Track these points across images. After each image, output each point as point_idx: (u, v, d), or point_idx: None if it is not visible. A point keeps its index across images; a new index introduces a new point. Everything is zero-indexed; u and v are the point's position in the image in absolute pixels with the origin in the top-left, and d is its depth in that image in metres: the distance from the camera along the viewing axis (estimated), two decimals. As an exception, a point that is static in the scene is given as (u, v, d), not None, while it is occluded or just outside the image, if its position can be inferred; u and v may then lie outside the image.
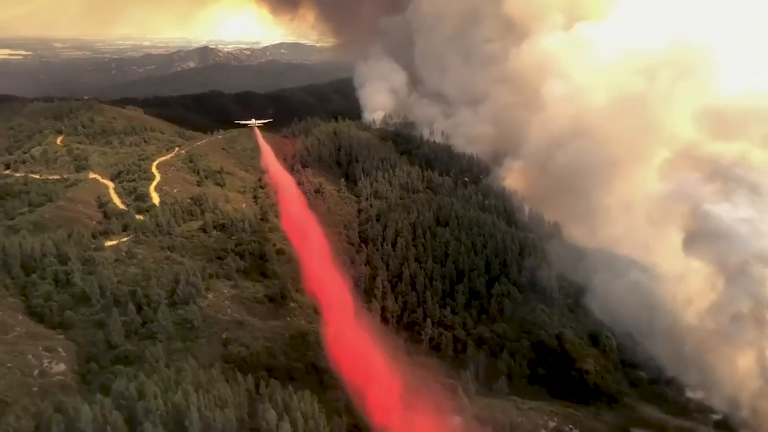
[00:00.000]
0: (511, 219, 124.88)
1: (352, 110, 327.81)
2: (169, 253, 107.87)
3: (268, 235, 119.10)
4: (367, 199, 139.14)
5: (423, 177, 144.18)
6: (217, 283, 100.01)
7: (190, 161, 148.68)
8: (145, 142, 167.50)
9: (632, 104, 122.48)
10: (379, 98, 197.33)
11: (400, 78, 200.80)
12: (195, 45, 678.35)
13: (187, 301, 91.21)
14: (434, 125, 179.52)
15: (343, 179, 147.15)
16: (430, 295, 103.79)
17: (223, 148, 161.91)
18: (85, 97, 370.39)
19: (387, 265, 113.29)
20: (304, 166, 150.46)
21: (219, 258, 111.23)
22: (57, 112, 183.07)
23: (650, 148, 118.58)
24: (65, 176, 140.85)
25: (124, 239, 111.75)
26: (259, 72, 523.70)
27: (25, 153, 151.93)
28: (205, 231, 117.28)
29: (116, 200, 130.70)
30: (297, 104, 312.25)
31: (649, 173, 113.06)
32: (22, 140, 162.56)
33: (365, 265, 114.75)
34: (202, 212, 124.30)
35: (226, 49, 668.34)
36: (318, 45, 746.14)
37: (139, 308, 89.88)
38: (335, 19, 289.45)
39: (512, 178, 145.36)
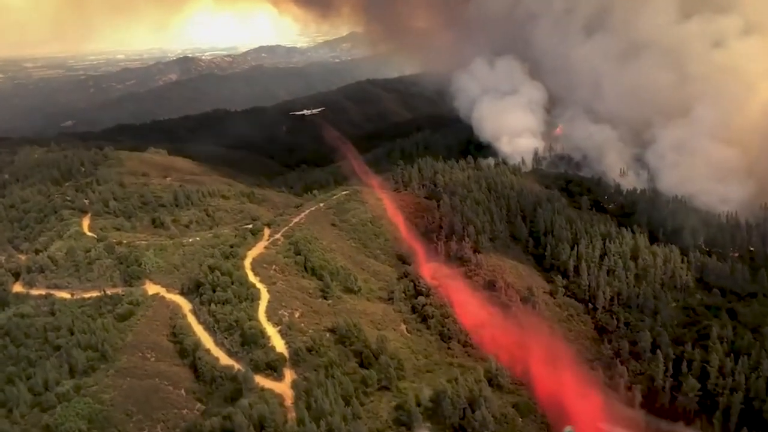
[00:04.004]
0: None
1: (383, 118, 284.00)
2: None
3: (517, 421, 67.38)
4: (606, 308, 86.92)
5: (689, 264, 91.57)
6: None
7: (297, 253, 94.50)
8: (208, 216, 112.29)
9: None
10: (516, 121, 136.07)
11: (534, 90, 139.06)
12: (171, 55, 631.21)
13: None
14: (613, 157, 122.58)
15: (559, 276, 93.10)
16: None
17: (332, 224, 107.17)
18: (69, 123, 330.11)
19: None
20: (476, 251, 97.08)
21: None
22: (63, 167, 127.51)
23: None
24: (109, 292, 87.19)
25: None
26: (248, 80, 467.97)
27: (40, 251, 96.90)
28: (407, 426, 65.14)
29: (208, 343, 78.48)
30: (312, 117, 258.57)
31: None
32: (31, 225, 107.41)
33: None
34: (367, 366, 72.44)
35: (205, 57, 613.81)
36: (298, 46, 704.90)
37: None
38: (384, 13, 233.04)
39: None
